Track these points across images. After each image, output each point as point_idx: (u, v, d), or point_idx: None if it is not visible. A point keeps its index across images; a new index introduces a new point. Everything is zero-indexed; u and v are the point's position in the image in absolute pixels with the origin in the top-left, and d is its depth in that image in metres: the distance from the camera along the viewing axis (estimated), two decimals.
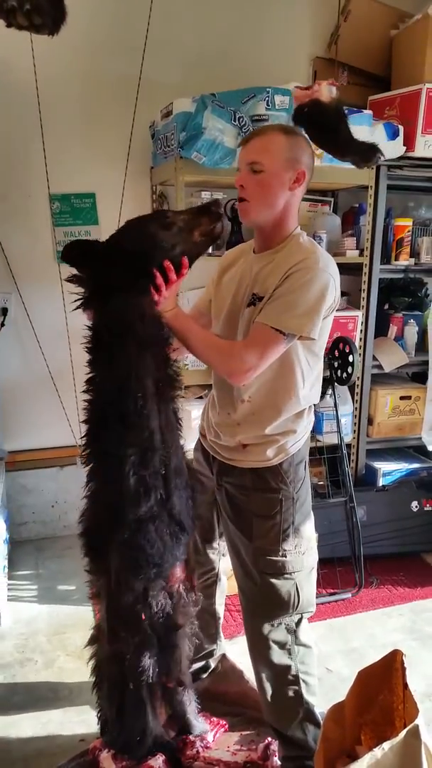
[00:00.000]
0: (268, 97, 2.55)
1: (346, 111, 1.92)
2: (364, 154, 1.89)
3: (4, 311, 3.07)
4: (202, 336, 1.65)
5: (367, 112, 2.89)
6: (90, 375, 1.54)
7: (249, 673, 2.10)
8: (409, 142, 2.97)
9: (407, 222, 3.12)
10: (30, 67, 2.78)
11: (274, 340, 1.58)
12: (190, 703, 1.84)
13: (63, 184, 3.09)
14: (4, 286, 3.07)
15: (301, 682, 1.80)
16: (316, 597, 1.93)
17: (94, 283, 1.51)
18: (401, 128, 2.96)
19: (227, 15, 3.20)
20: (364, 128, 2.72)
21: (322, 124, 1.83)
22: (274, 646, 1.79)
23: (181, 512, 1.59)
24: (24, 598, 2.84)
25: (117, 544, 1.54)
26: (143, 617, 1.58)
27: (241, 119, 2.53)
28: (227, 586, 2.21)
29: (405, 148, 2.96)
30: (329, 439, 3.08)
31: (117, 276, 1.48)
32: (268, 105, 2.55)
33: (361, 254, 3.06)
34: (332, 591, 2.86)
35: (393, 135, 2.93)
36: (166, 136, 2.73)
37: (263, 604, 1.78)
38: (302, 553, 1.78)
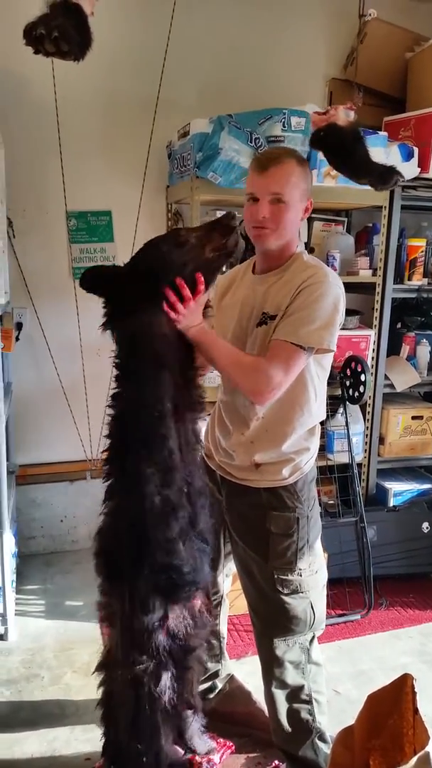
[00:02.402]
0: (285, 118, 2.57)
1: (363, 133, 1.94)
2: (382, 176, 1.91)
3: (19, 326, 3.09)
4: (228, 352, 1.63)
5: (383, 133, 2.91)
6: (114, 390, 1.58)
7: (256, 694, 2.09)
8: (423, 163, 2.99)
9: (421, 242, 3.13)
10: (50, 86, 2.84)
11: (295, 355, 1.59)
12: (196, 723, 1.83)
13: (80, 202, 3.13)
14: (19, 301, 3.10)
15: (313, 701, 1.81)
16: (325, 618, 1.92)
17: (113, 305, 1.53)
18: (416, 149, 2.98)
19: (244, 37, 3.24)
20: (379, 149, 2.73)
21: (339, 148, 1.85)
22: (289, 666, 1.79)
23: (204, 530, 1.60)
24: (32, 613, 2.83)
25: (146, 566, 1.53)
26: (162, 641, 1.57)
27: (257, 140, 2.55)
28: (230, 606, 2.20)
29: (419, 169, 2.98)
30: (340, 458, 3.07)
31: (133, 297, 1.51)
32: (284, 126, 2.58)
33: (374, 274, 3.07)
34: (341, 612, 2.83)
35: (408, 156, 2.95)
36: (182, 155, 2.76)
37: (279, 623, 1.78)
38: (315, 571, 1.79)
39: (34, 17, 1.60)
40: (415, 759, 1.47)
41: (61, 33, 1.58)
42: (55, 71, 2.70)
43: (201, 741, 1.87)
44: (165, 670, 1.60)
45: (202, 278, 1.51)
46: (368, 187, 2.74)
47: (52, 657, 2.53)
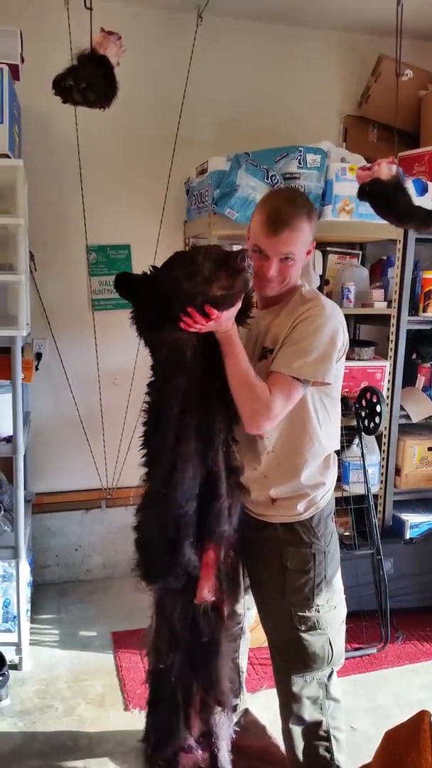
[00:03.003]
0: (301, 155, 2.63)
1: (404, 183, 2.00)
2: (424, 219, 1.98)
3: (39, 356, 3.15)
4: (243, 369, 1.59)
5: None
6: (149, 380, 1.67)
7: (271, 728, 2.07)
8: None
9: None
10: (72, 125, 2.94)
11: (292, 387, 1.60)
12: (226, 729, 1.84)
13: (100, 236, 3.20)
14: (39, 331, 3.16)
15: (332, 738, 1.78)
16: None
17: (139, 311, 1.59)
18: (430, 184, 3.02)
19: (261, 76, 3.33)
20: None
21: (383, 199, 1.93)
22: (307, 702, 1.77)
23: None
24: (46, 642, 2.83)
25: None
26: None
27: (273, 177, 2.61)
28: (252, 637, 2.19)
29: None
30: (356, 489, 3.06)
31: (151, 311, 1.55)
32: (300, 163, 2.63)
33: (389, 306, 3.09)
34: (357, 646, 2.80)
35: (422, 191, 2.98)
36: (200, 192, 2.83)
37: (297, 659, 1.77)
38: (334, 607, 1.78)
39: (62, 69, 1.67)
40: None
41: (89, 84, 1.65)
42: (77, 111, 2.79)
43: (227, 729, 1.88)
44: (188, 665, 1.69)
45: (213, 310, 1.48)
46: (382, 222, 2.80)
47: (66, 687, 2.52)
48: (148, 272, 1.58)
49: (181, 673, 1.70)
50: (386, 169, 1.87)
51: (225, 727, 1.84)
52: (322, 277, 3.15)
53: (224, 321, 1.51)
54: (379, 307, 3.10)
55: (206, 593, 1.67)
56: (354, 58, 3.41)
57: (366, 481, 2.99)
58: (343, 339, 1.68)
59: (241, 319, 1.61)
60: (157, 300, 1.52)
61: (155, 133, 3.16)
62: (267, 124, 3.24)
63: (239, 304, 1.52)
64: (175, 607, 1.67)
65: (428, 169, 3.12)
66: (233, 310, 1.51)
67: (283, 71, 3.37)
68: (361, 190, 1.93)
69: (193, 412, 1.56)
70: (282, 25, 3.31)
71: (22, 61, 2.57)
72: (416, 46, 3.46)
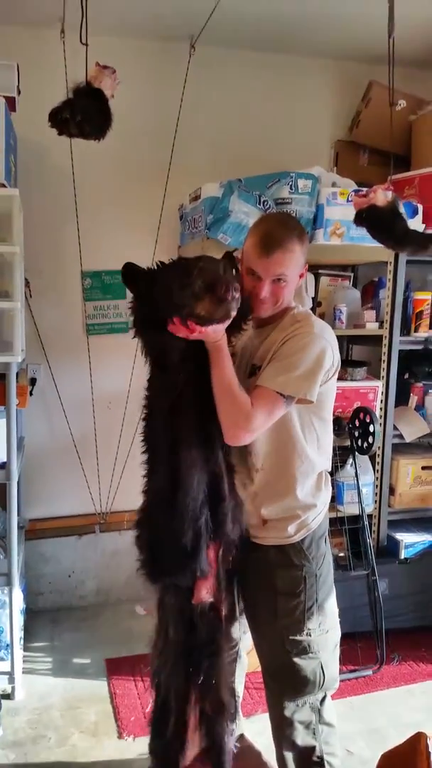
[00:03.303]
0: (292, 181, 2.67)
1: (400, 209, 2.04)
2: (422, 243, 2.03)
3: (33, 381, 3.15)
4: (228, 378, 1.59)
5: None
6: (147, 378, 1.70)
7: (267, 753, 2.05)
8: (428, 220, 3.05)
9: (426, 295, 3.18)
10: (67, 152, 2.97)
11: (274, 401, 1.61)
12: (228, 740, 1.82)
13: (95, 261, 3.22)
14: (34, 357, 3.17)
15: (326, 763, 1.76)
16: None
17: (141, 306, 1.60)
18: (420, 207, 3.06)
19: (253, 103, 3.38)
20: None
21: (380, 225, 1.97)
22: (299, 727, 1.76)
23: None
24: (39, 670, 2.80)
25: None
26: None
27: (265, 202, 2.65)
28: (247, 663, 2.18)
29: (424, 225, 3.06)
30: (350, 509, 3.06)
31: (145, 308, 1.57)
32: (291, 189, 2.67)
33: (380, 326, 3.12)
34: (353, 668, 2.79)
35: (412, 213, 3.03)
36: (194, 218, 2.86)
37: (288, 683, 1.76)
38: (326, 631, 1.77)
39: (58, 102, 1.70)
40: None
41: (85, 117, 1.69)
42: (73, 140, 2.81)
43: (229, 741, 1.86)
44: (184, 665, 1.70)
45: (195, 326, 1.49)
46: (374, 244, 2.82)
47: (59, 716, 2.49)
48: (154, 267, 1.60)
49: (182, 676, 1.70)
50: (382, 196, 1.91)
51: (227, 738, 1.82)
52: (314, 299, 3.18)
53: (211, 333, 1.52)
54: (371, 327, 3.13)
55: (204, 594, 1.67)
56: (344, 84, 3.47)
57: (360, 501, 3.00)
58: (332, 359, 1.68)
59: (233, 330, 1.63)
60: (153, 298, 1.54)
61: (149, 159, 3.20)
62: (259, 150, 3.28)
63: (228, 320, 1.52)
64: (174, 605, 1.68)
65: (418, 192, 3.17)
66: (223, 325, 1.53)
67: (274, 98, 3.42)
68: (358, 216, 1.97)
69: (187, 413, 1.58)
70: (273, 53, 3.36)
71: (19, 92, 2.61)
72: (405, 73, 3.48)
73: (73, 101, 1.70)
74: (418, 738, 1.73)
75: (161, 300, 1.51)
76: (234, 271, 1.69)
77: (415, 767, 1.70)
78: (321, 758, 1.77)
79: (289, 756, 1.78)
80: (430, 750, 1.68)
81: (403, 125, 3.41)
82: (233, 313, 1.49)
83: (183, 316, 1.48)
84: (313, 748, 1.77)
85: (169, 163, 3.10)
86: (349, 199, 2.71)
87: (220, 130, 3.32)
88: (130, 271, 1.59)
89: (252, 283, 1.69)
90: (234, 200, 2.59)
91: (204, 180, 2.76)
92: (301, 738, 1.76)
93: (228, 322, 1.53)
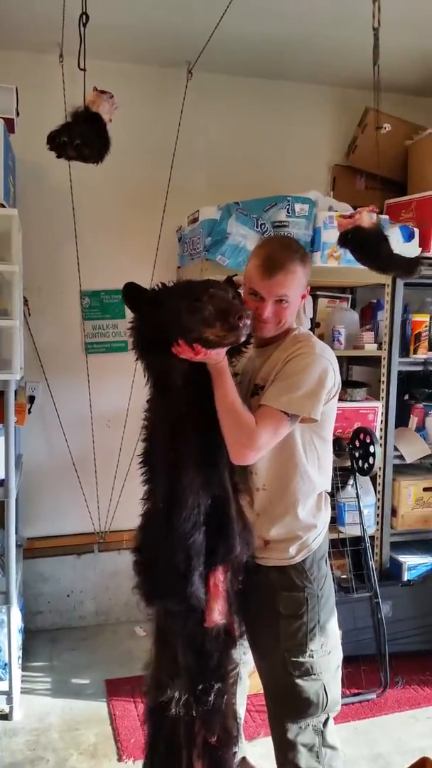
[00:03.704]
0: (289, 205, 2.71)
1: (385, 231, 2.06)
2: (406, 268, 2.03)
3: (32, 399, 3.17)
4: (232, 397, 1.60)
5: (384, 216, 3.05)
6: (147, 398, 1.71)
7: None
8: (424, 243, 3.09)
9: (424, 317, 3.21)
10: (66, 174, 3.03)
11: (279, 420, 1.62)
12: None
13: (94, 281, 3.26)
14: (33, 375, 3.19)
15: None
16: (341, 698, 1.87)
17: (141, 327, 1.61)
18: (417, 231, 3.10)
19: (251, 128, 3.45)
20: None
21: (365, 247, 1.96)
22: (302, 749, 1.73)
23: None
24: (37, 690, 2.78)
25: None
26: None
27: (263, 225, 2.69)
28: (248, 685, 2.15)
29: (421, 249, 3.09)
30: (352, 530, 3.04)
31: (149, 329, 1.58)
32: (288, 212, 2.71)
33: (379, 347, 3.14)
34: (356, 692, 2.75)
35: (409, 237, 3.07)
36: (192, 239, 2.90)
37: (290, 706, 1.74)
38: (328, 652, 1.76)
39: (57, 125, 1.74)
40: None
41: (83, 140, 1.72)
42: (71, 163, 2.87)
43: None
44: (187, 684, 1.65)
45: (201, 349, 1.51)
46: None
47: (58, 738, 2.46)
48: (157, 288, 1.62)
49: (185, 706, 1.66)
50: (367, 218, 1.91)
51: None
52: (312, 320, 3.21)
53: (214, 356, 1.54)
54: (370, 348, 3.14)
55: (217, 616, 1.65)
56: (342, 110, 3.54)
57: (362, 523, 2.98)
58: (333, 379, 1.70)
59: (234, 352, 1.65)
60: (157, 320, 1.55)
61: (148, 182, 3.25)
62: (256, 174, 3.33)
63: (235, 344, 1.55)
64: (182, 631, 1.65)
65: (415, 216, 3.21)
66: (223, 348, 1.54)
67: (272, 123, 3.49)
68: (343, 237, 1.97)
69: (188, 435, 1.58)
70: (270, 79, 3.44)
71: (17, 114, 2.68)
72: (401, 100, 3.60)
73: (71, 125, 1.74)
74: (423, 763, 1.71)
75: (170, 322, 1.52)
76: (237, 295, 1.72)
77: None
78: None
79: None
80: None
81: (400, 150, 3.47)
82: (243, 339, 1.52)
83: (190, 339, 1.50)
84: None
85: (167, 185, 3.16)
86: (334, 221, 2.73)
87: (217, 154, 3.38)
88: (131, 291, 1.60)
89: (254, 304, 1.71)
90: (232, 223, 2.64)
91: (202, 203, 2.81)
92: (305, 761, 1.74)
93: (224, 348, 1.55)
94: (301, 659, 1.71)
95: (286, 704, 1.75)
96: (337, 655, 1.80)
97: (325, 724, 1.77)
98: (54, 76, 2.94)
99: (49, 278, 3.23)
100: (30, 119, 2.70)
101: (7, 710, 2.55)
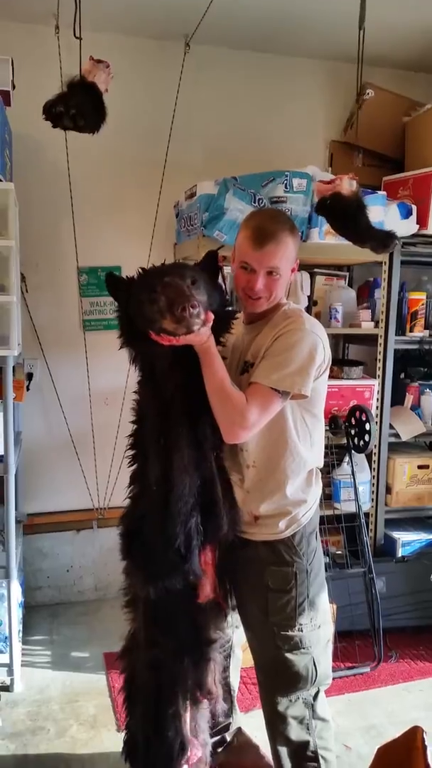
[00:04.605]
0: (287, 180, 2.69)
1: (365, 201, 2.03)
2: (382, 241, 2.01)
3: (30, 376, 3.17)
4: (220, 377, 1.61)
5: (382, 192, 3.03)
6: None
7: (265, 747, 2.06)
8: (422, 221, 3.09)
9: (421, 295, 3.22)
10: (63, 149, 3.00)
11: (270, 398, 1.63)
12: (205, 721, 1.86)
13: (91, 258, 3.25)
14: (31, 352, 3.19)
15: (320, 758, 1.77)
16: (334, 671, 1.91)
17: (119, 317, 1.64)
18: (414, 207, 3.09)
19: (248, 103, 3.42)
20: (378, 208, 2.84)
21: (343, 215, 1.95)
22: (293, 722, 1.77)
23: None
24: (37, 664, 2.82)
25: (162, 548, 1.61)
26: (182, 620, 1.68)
27: (260, 201, 2.67)
28: (243, 659, 2.19)
29: (418, 226, 3.09)
30: (347, 507, 3.08)
31: (127, 319, 1.60)
32: (286, 188, 2.70)
33: (376, 326, 3.15)
34: (350, 665, 2.80)
35: (406, 214, 3.06)
36: (189, 215, 2.88)
37: (280, 679, 1.77)
38: (318, 626, 1.78)
39: (53, 95, 1.73)
40: None
41: (79, 110, 1.71)
42: (68, 135, 2.85)
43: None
44: (185, 652, 1.69)
45: (169, 338, 1.51)
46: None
47: (58, 709, 2.51)
48: (135, 276, 1.62)
49: (182, 677, 1.71)
50: (347, 184, 1.89)
51: (205, 718, 1.85)
52: (309, 298, 3.20)
53: (194, 339, 1.53)
54: (367, 327, 3.15)
55: (209, 591, 1.70)
56: (339, 86, 3.50)
57: (357, 499, 3.01)
58: (323, 355, 1.70)
59: (221, 331, 1.65)
60: (130, 311, 1.58)
61: (145, 157, 3.23)
62: (254, 149, 3.31)
63: (209, 324, 1.53)
64: (175, 607, 1.68)
65: (412, 193, 3.20)
66: (205, 329, 1.53)
67: (270, 98, 3.45)
68: (321, 203, 1.95)
69: (178, 419, 1.60)
70: (269, 53, 3.41)
71: (13, 87, 2.65)
72: (399, 75, 3.57)
73: (67, 95, 1.73)
74: (415, 732, 1.73)
75: (135, 314, 1.54)
76: (218, 271, 1.72)
77: (411, 761, 1.70)
78: (315, 753, 1.78)
79: (283, 751, 1.79)
80: (426, 744, 1.69)
81: (397, 127, 3.45)
82: (195, 328, 1.48)
83: (156, 330, 1.51)
84: (307, 743, 1.78)
85: (164, 160, 3.13)
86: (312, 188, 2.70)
87: (215, 128, 3.35)
88: (112, 282, 1.62)
89: (246, 278, 1.71)
90: (229, 198, 2.62)
91: (199, 178, 2.79)
92: (295, 733, 1.78)
93: (206, 327, 1.53)
94: (290, 633, 1.74)
95: (276, 678, 1.78)
96: (327, 630, 1.83)
97: (315, 697, 1.80)
98: (50, 49, 2.91)
99: (46, 254, 3.22)
100: (26, 92, 2.67)
101: (8, 682, 2.58)
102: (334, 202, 1.92)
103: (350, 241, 2.05)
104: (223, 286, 1.72)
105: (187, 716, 1.79)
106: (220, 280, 1.72)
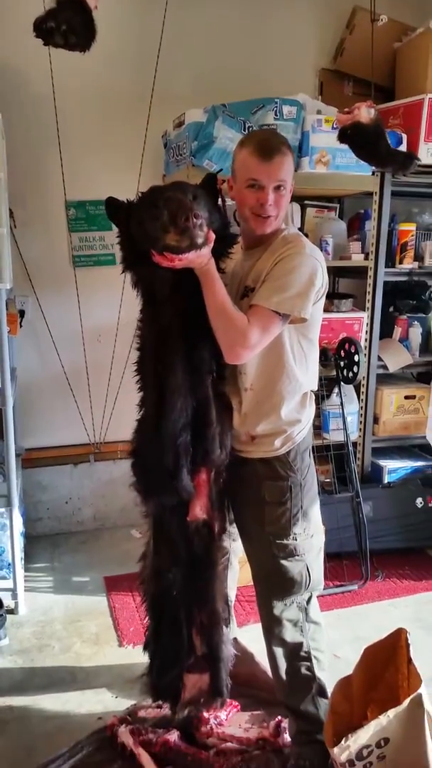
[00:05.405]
0: (277, 107, 2.66)
1: (383, 128, 2.07)
2: (402, 163, 2.08)
3: (22, 313, 3.17)
4: (221, 299, 1.63)
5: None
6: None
7: (259, 656, 2.19)
8: (412, 150, 3.06)
9: (411, 227, 3.22)
10: (48, 80, 2.92)
11: (270, 320, 1.67)
12: (226, 651, 1.94)
13: (79, 191, 3.21)
14: (21, 289, 3.19)
15: (312, 658, 1.89)
16: (324, 589, 2.01)
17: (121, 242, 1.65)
18: (405, 136, 3.06)
19: (237, 29, 3.33)
20: None
21: (364, 143, 2.00)
22: (288, 624, 1.88)
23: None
24: (40, 588, 2.93)
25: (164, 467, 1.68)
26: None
27: (250, 128, 2.64)
28: (239, 576, 2.29)
29: None
30: (336, 436, 3.16)
31: (129, 243, 1.62)
32: (276, 115, 2.67)
33: (366, 258, 3.16)
34: (339, 583, 2.93)
35: (397, 143, 3.02)
36: (178, 145, 2.85)
37: (277, 585, 1.87)
38: (311, 535, 1.88)
39: (42, 12, 1.69)
40: (408, 700, 1.58)
41: (69, 26, 1.68)
42: (53, 64, 2.78)
43: (226, 648, 1.96)
44: (183, 564, 1.81)
45: (172, 257, 1.51)
46: (359, 173, 2.84)
47: (62, 628, 2.63)
48: (127, 200, 1.63)
49: (182, 589, 1.82)
50: (366, 113, 1.93)
51: (225, 648, 1.94)
52: (300, 230, 3.19)
53: (195, 260, 1.55)
54: (357, 259, 3.16)
55: (198, 511, 1.78)
56: (329, 12, 3.41)
57: (345, 429, 3.09)
58: (322, 279, 1.74)
59: (221, 255, 1.67)
60: (133, 232, 1.58)
61: (132, 86, 3.15)
62: (243, 77, 3.23)
63: (198, 248, 1.52)
64: (172, 523, 1.78)
65: (403, 122, 3.16)
66: (206, 249, 1.54)
67: (259, 24, 3.36)
68: (342, 133, 1.99)
69: (175, 343, 1.64)
70: None
71: None
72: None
73: (57, 10, 1.70)
74: (399, 634, 1.87)
75: (137, 234, 1.54)
76: (218, 194, 1.71)
77: (395, 660, 1.84)
78: (308, 653, 1.90)
79: (279, 652, 1.90)
80: (409, 642, 1.82)
81: (388, 54, 3.36)
82: (199, 240, 1.49)
83: (159, 248, 1.51)
84: (300, 644, 1.89)
85: (152, 89, 3.05)
86: (335, 126, 2.69)
87: (203, 56, 3.27)
88: (112, 206, 1.62)
89: (255, 196, 1.71)
90: (219, 126, 2.59)
91: (187, 107, 2.75)
92: (290, 635, 1.89)
93: (207, 248, 1.54)
94: (285, 542, 1.83)
95: (273, 584, 1.88)
96: (319, 539, 1.93)
97: (308, 601, 1.91)
98: None
99: (34, 189, 3.17)
100: (9, 22, 2.58)
101: (12, 605, 2.70)
102: (355, 131, 1.97)
103: (371, 165, 2.10)
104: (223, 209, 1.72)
105: (193, 632, 1.89)
106: (219, 203, 1.72)
